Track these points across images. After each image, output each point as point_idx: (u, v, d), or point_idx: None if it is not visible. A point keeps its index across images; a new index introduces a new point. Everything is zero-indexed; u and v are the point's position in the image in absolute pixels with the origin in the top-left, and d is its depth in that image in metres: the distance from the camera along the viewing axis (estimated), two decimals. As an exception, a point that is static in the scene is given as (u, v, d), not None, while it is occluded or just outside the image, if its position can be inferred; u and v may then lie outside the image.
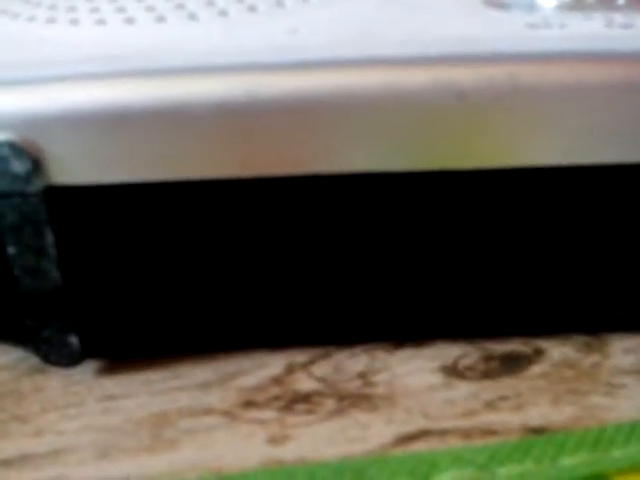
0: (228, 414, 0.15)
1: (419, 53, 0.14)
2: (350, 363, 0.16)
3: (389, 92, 0.14)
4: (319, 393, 0.16)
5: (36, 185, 0.14)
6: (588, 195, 0.15)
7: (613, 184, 0.15)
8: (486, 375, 0.16)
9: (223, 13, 0.16)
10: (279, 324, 0.16)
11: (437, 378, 0.16)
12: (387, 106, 0.14)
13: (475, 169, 0.14)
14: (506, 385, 0.16)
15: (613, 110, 0.14)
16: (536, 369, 0.16)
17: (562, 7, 0.15)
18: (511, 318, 0.17)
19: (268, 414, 0.15)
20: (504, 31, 0.14)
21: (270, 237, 0.15)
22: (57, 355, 0.16)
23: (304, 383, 0.16)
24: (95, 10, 0.16)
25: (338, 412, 0.15)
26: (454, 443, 0.14)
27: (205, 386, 0.16)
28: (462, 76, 0.14)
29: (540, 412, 0.15)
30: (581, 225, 0.15)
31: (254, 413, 0.15)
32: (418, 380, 0.16)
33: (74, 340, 0.15)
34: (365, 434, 0.15)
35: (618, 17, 0.15)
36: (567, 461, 0.13)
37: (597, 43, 0.14)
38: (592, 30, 0.14)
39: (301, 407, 0.15)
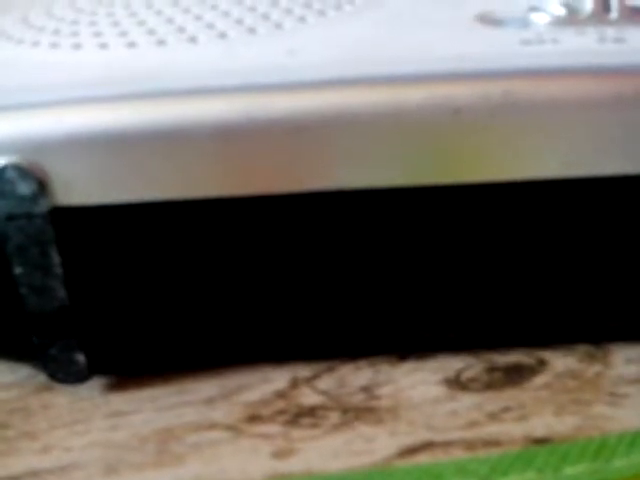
0: (233, 429, 0.15)
1: (415, 71, 0.14)
2: (354, 376, 0.16)
3: (386, 110, 0.14)
4: (323, 407, 0.16)
5: (42, 206, 0.14)
6: (584, 207, 0.15)
7: (608, 196, 0.15)
8: (489, 386, 0.16)
9: (223, 35, 0.16)
10: (283, 339, 0.17)
11: (440, 390, 0.16)
12: (385, 123, 0.14)
13: (473, 183, 0.15)
14: (509, 396, 0.16)
15: (606, 124, 0.14)
16: (539, 380, 0.16)
17: (555, 23, 0.15)
18: (514, 329, 0.17)
19: (273, 428, 0.15)
20: (498, 48, 0.15)
21: (273, 254, 0.15)
22: (64, 373, 0.16)
23: (308, 397, 0.16)
24: (97, 35, 0.16)
25: (342, 425, 0.15)
26: (458, 454, 0.14)
27: (210, 401, 0.16)
28: (458, 93, 0.14)
29: (543, 422, 0.15)
30: (581, 236, 0.15)
31: (259, 427, 0.15)
32: (422, 392, 0.16)
33: (81, 358, 0.16)
34: (370, 447, 0.15)
35: (611, 32, 0.15)
36: (570, 471, 0.13)
37: (590, 58, 0.14)
38: (585, 45, 0.15)
39: (306, 421, 0.15)
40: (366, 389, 0.16)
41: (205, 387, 0.16)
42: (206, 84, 0.14)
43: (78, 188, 0.14)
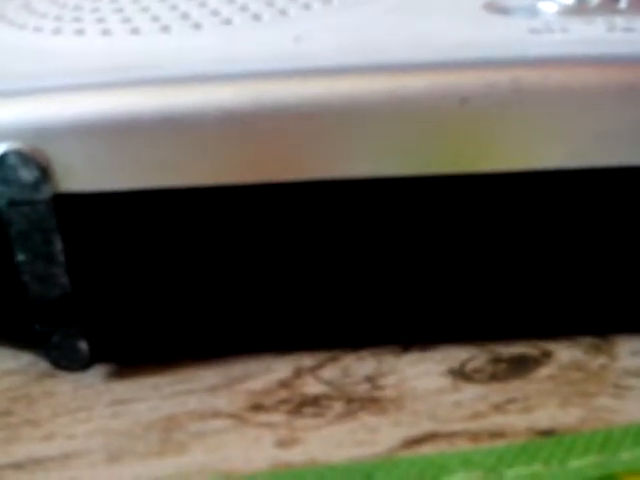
0: (236, 417, 0.15)
1: (422, 59, 0.14)
2: (358, 366, 0.16)
3: (393, 98, 0.14)
4: (327, 396, 0.16)
5: (44, 193, 0.14)
6: (591, 198, 0.15)
7: (617, 187, 0.15)
8: (494, 378, 0.16)
9: (227, 22, 0.16)
10: (287, 328, 0.17)
11: (445, 381, 0.16)
12: (391, 112, 0.14)
13: (479, 173, 0.14)
14: (514, 387, 0.16)
15: (615, 113, 0.14)
16: (544, 371, 0.16)
17: (564, 12, 0.15)
18: (519, 320, 0.17)
19: (276, 417, 0.15)
20: (507, 36, 0.15)
21: (277, 242, 0.15)
22: (67, 360, 0.16)
23: (312, 386, 0.16)
24: (101, 20, 0.16)
25: (346, 415, 0.15)
26: (462, 446, 0.14)
27: (213, 390, 0.16)
28: (465, 81, 0.14)
29: (548, 414, 0.15)
30: (587, 227, 0.15)
31: (262, 416, 0.15)
32: (426, 383, 0.16)
33: (83, 345, 0.16)
34: (373, 437, 0.15)
35: (620, 21, 0.15)
36: (576, 463, 0.13)
37: (599, 47, 0.14)
38: (594, 34, 0.14)
39: (309, 410, 0.15)
40: (370, 379, 0.16)
41: (208, 375, 0.16)
42: (210, 71, 0.14)
43: (81, 175, 0.14)
